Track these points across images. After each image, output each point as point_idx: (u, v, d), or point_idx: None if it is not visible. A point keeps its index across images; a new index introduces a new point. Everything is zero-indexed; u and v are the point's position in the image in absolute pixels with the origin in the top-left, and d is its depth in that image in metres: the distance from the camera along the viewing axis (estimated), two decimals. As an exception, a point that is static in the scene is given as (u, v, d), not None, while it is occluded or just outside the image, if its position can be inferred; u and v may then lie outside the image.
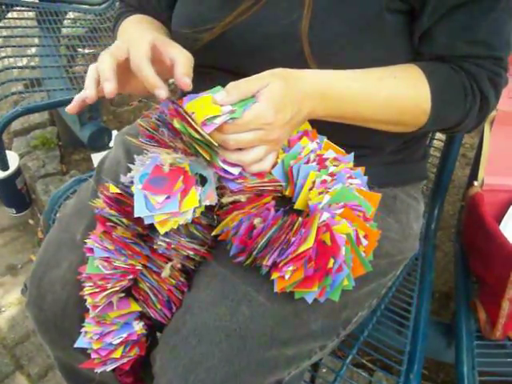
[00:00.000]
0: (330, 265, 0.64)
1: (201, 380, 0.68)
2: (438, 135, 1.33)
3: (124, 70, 0.71)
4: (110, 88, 0.66)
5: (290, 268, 0.65)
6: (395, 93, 0.74)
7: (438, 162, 1.28)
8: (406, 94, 0.74)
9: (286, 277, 0.66)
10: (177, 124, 0.62)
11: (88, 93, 0.68)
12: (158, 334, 0.88)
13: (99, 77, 0.68)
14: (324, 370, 1.34)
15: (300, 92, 0.67)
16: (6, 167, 1.83)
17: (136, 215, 0.66)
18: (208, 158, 0.65)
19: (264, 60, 0.72)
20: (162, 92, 0.67)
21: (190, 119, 0.61)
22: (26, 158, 2.33)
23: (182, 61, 0.69)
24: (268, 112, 0.64)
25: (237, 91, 0.64)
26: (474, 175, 1.16)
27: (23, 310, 1.78)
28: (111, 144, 2.04)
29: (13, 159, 2.02)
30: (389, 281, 0.90)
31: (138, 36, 0.70)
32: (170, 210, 0.65)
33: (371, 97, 0.73)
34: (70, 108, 0.70)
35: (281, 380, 0.75)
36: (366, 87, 0.72)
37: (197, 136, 0.62)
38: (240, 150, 0.66)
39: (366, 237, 0.68)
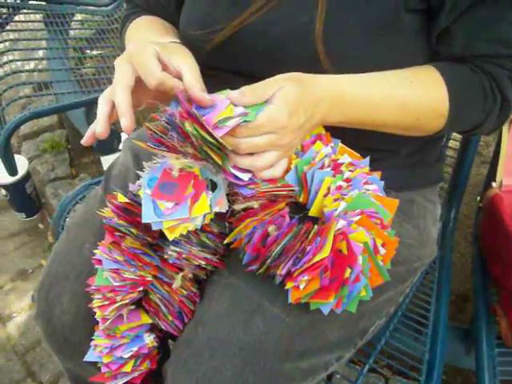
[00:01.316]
0: (347, 275, 0.62)
1: None
2: (454, 135, 1.30)
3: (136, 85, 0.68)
4: (126, 124, 0.63)
5: (305, 278, 0.62)
6: (411, 98, 0.71)
7: (453, 162, 1.25)
8: (422, 99, 0.71)
9: (301, 287, 0.63)
10: (188, 127, 0.60)
11: (98, 129, 0.65)
12: (171, 341, 0.86)
13: (111, 109, 0.66)
14: (338, 377, 1.32)
15: (314, 97, 0.65)
16: (15, 172, 1.82)
17: (144, 221, 0.64)
18: (220, 163, 0.62)
19: (276, 62, 0.70)
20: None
21: (202, 121, 0.59)
22: (36, 161, 2.32)
23: (188, 69, 0.66)
24: (282, 115, 0.61)
25: (252, 94, 0.62)
26: (491, 176, 1.13)
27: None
28: (120, 146, 2.02)
29: (22, 163, 2.01)
30: (407, 288, 0.88)
31: (137, 50, 0.66)
32: (179, 216, 0.63)
33: (387, 102, 0.70)
34: (85, 141, 0.68)
35: (297, 393, 0.73)
36: (381, 93, 0.69)
37: (210, 139, 0.59)
38: (251, 154, 0.64)
39: (383, 245, 0.66)
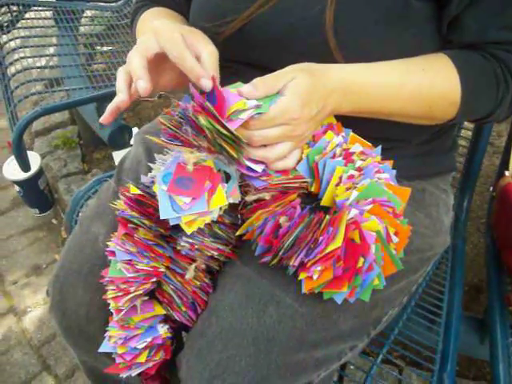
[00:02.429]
0: (360, 264, 0.62)
1: None
2: (466, 124, 1.29)
3: (154, 66, 0.68)
4: (143, 86, 0.63)
5: (318, 268, 0.62)
6: (423, 86, 0.70)
7: (465, 151, 1.25)
8: (434, 87, 0.71)
9: (314, 277, 0.63)
10: (202, 120, 0.60)
11: (121, 96, 0.65)
12: (184, 333, 0.87)
13: (130, 78, 0.66)
14: (352, 367, 1.32)
15: (326, 87, 0.65)
16: (27, 168, 1.84)
17: (162, 217, 0.63)
18: (235, 155, 0.63)
19: (287, 52, 0.70)
20: (208, 82, 0.63)
21: (216, 115, 0.59)
22: (48, 157, 2.34)
23: (209, 59, 0.66)
24: (294, 107, 0.61)
25: (264, 86, 0.62)
26: (504, 165, 1.12)
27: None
28: (132, 141, 2.03)
29: (34, 160, 2.03)
30: (419, 277, 0.87)
31: (165, 27, 0.66)
32: (198, 211, 0.63)
33: (398, 91, 0.70)
34: (104, 118, 0.67)
35: (310, 382, 0.73)
36: (393, 81, 0.69)
37: (224, 132, 0.60)
38: (264, 146, 0.64)
39: (396, 233, 0.66)
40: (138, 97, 0.66)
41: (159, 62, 0.68)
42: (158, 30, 0.66)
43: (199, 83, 0.63)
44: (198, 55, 0.66)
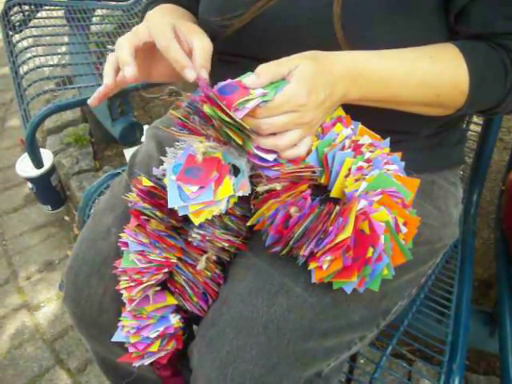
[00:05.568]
0: (369, 254, 0.62)
1: (239, 373, 0.67)
2: (476, 119, 1.29)
3: (147, 56, 0.69)
4: (129, 72, 0.64)
5: (328, 258, 0.63)
6: (431, 73, 0.71)
7: (475, 146, 1.25)
8: (442, 75, 0.71)
9: (324, 267, 0.64)
10: (207, 109, 0.61)
11: (106, 80, 0.66)
12: (195, 326, 0.88)
13: (118, 64, 0.67)
14: (362, 361, 1.32)
15: (332, 73, 0.65)
16: (40, 165, 1.86)
17: (170, 206, 0.65)
18: (240, 143, 0.63)
19: (295, 45, 0.70)
20: (191, 72, 0.64)
21: (221, 104, 0.60)
22: (60, 155, 2.36)
23: (200, 51, 0.66)
24: (300, 93, 0.62)
25: (266, 73, 0.63)
26: (514, 159, 1.12)
27: (61, 305, 1.81)
28: (143, 139, 2.05)
29: (47, 157, 2.05)
30: (428, 269, 0.88)
31: (159, 21, 0.68)
32: (204, 200, 0.64)
33: (406, 77, 0.70)
34: (92, 101, 0.69)
35: (320, 372, 0.74)
36: (400, 67, 0.69)
37: (227, 119, 0.60)
38: (274, 134, 0.64)
39: (405, 224, 0.66)
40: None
41: (152, 53, 0.68)
42: (151, 20, 0.67)
43: (183, 73, 0.64)
44: (191, 46, 0.67)
